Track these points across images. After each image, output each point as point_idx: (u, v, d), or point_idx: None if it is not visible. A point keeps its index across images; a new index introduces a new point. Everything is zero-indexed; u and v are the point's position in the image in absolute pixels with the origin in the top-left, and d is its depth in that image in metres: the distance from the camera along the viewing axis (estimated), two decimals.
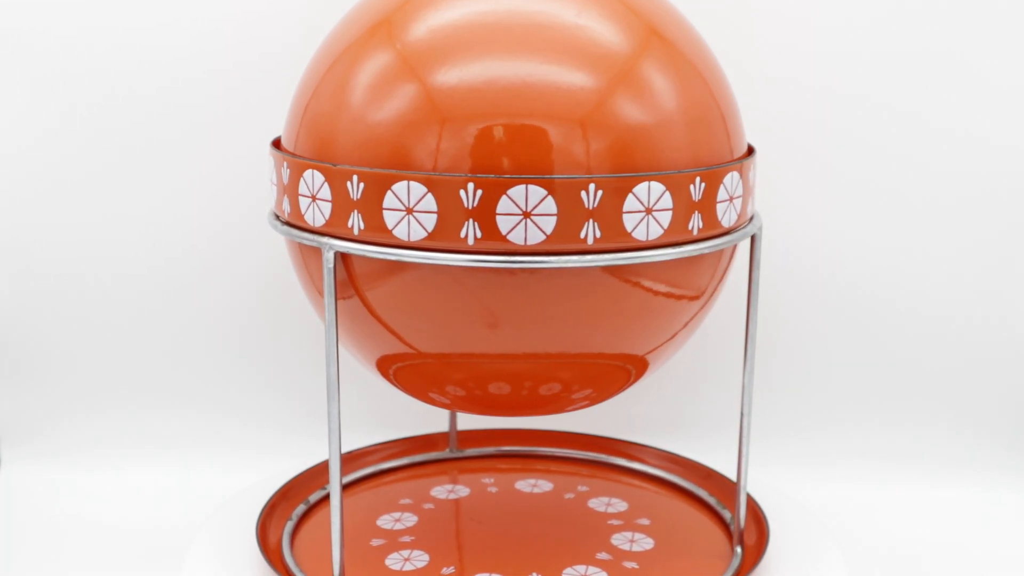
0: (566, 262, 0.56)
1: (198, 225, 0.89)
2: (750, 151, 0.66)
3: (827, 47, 0.87)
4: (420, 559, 0.69)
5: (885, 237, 0.89)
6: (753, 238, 0.65)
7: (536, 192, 0.55)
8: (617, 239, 0.56)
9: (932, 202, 0.88)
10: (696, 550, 0.71)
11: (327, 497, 0.78)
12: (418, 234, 0.56)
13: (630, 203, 0.56)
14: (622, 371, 0.64)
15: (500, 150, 0.56)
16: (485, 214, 0.55)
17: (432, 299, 0.59)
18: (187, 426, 0.90)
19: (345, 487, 0.80)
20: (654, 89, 0.59)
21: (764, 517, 0.73)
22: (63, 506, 0.80)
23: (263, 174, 0.86)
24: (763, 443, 0.89)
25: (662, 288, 0.60)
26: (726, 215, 0.60)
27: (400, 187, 0.56)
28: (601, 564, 0.68)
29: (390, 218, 0.57)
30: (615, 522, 0.74)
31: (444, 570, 0.68)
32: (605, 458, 0.84)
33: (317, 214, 0.60)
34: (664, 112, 0.59)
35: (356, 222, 0.58)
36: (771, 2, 0.87)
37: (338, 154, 0.59)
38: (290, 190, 0.62)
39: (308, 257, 0.63)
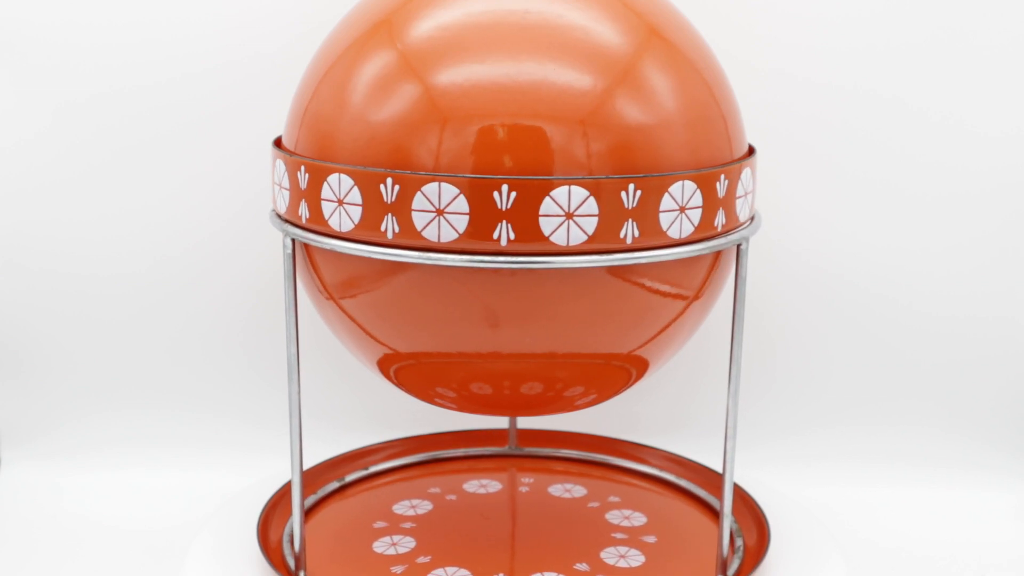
0: (554, 263, 0.56)
1: (198, 224, 0.89)
2: (751, 151, 0.66)
3: (829, 44, 0.86)
4: (406, 545, 0.71)
5: (887, 236, 0.88)
6: (739, 249, 0.63)
7: (449, 190, 0.55)
8: (533, 241, 0.56)
9: (936, 201, 0.88)
10: (696, 550, 0.71)
11: (328, 496, 0.78)
12: (347, 225, 0.58)
13: (546, 206, 0.55)
14: (623, 371, 0.64)
15: (500, 150, 0.56)
16: (402, 209, 0.56)
17: (428, 299, 0.59)
18: (187, 426, 0.90)
19: (387, 472, 0.82)
20: (654, 90, 0.59)
21: (764, 518, 0.73)
22: (63, 506, 0.80)
23: (263, 173, 0.87)
24: (763, 443, 0.89)
25: (661, 288, 0.60)
26: (675, 224, 0.58)
27: (333, 179, 0.58)
28: (574, 574, 0.68)
29: (326, 208, 0.59)
30: (619, 535, 0.73)
31: (419, 559, 0.69)
32: (636, 466, 0.84)
33: (281, 202, 0.63)
34: (664, 112, 0.59)
35: (304, 211, 0.60)
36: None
37: (338, 153, 0.59)
38: (272, 180, 0.65)
39: (305, 254, 0.63)
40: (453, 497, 0.78)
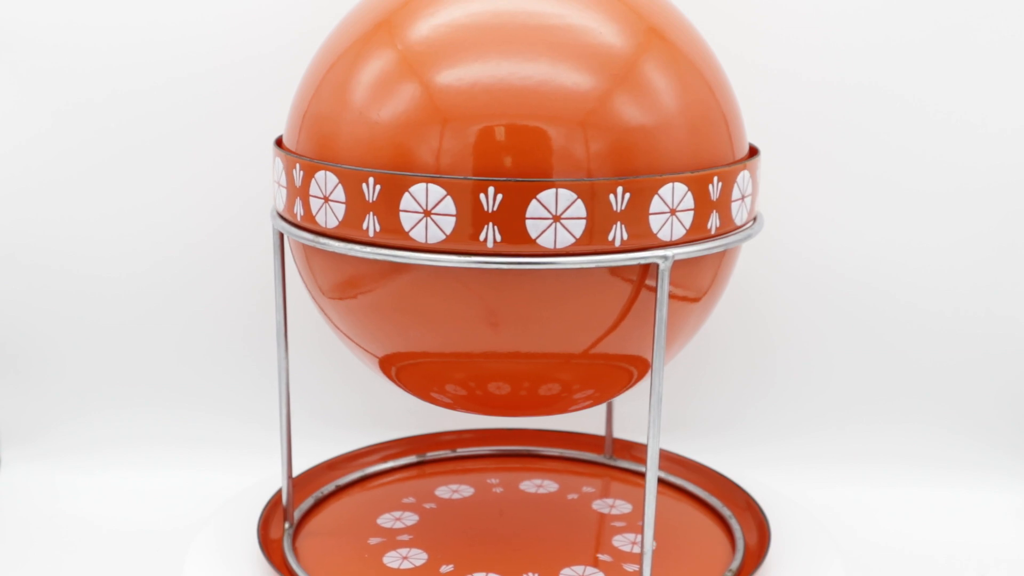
0: (557, 263, 0.56)
1: (198, 224, 0.89)
2: (752, 152, 0.66)
3: (830, 42, 0.86)
4: (409, 519, 0.73)
5: (889, 234, 0.88)
6: (657, 269, 0.57)
7: (436, 191, 0.55)
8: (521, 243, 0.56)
9: (938, 199, 0.88)
10: (696, 550, 0.71)
11: (330, 496, 0.78)
12: (332, 222, 0.59)
13: (532, 209, 0.55)
14: (623, 371, 0.64)
15: (500, 151, 0.56)
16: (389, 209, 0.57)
17: (433, 299, 0.59)
18: (187, 426, 0.90)
19: (479, 457, 0.85)
20: (655, 90, 0.59)
21: (765, 518, 0.73)
22: (63, 506, 0.80)
23: (263, 173, 0.87)
24: (763, 443, 0.89)
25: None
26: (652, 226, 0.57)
27: (320, 176, 0.59)
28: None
29: (314, 205, 0.60)
30: (605, 557, 0.70)
31: (399, 537, 0.71)
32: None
33: (279, 200, 0.64)
34: (665, 113, 0.59)
35: (298, 209, 0.61)
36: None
37: (339, 154, 0.59)
38: (272, 179, 0.66)
39: (306, 254, 0.63)
40: (500, 489, 0.78)
